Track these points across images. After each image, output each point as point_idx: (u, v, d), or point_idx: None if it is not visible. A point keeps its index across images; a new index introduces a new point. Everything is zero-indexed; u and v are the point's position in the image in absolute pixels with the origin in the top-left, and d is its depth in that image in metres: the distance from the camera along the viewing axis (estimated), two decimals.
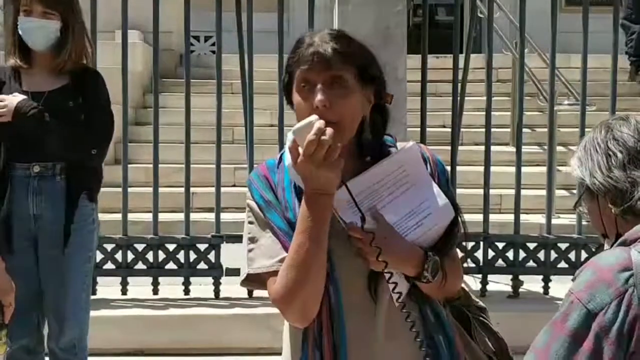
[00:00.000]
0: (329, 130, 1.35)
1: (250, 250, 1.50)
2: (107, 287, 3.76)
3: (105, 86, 2.82)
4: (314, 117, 1.38)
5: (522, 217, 3.86)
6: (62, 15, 2.68)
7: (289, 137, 1.43)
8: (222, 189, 3.88)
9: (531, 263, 3.78)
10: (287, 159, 1.49)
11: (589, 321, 1.22)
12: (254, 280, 1.51)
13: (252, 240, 1.51)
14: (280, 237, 1.47)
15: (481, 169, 3.81)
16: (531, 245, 3.79)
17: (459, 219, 1.53)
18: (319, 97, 1.41)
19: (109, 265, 3.75)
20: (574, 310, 1.24)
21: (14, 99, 2.61)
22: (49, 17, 2.66)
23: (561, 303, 1.28)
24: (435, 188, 1.52)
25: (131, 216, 3.88)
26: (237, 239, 3.82)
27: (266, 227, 1.49)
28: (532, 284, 3.82)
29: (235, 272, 3.75)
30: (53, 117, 2.62)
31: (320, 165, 1.36)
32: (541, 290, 3.77)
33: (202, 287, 3.79)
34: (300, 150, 1.37)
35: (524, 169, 3.88)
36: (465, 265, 3.76)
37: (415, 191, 1.50)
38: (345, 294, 1.46)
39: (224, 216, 3.87)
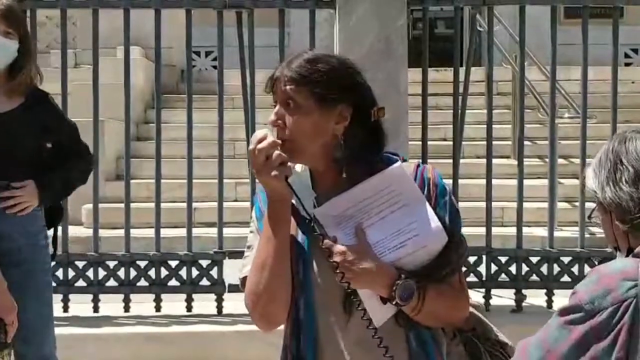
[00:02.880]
0: (266, 141, 1.48)
1: (245, 257, 1.62)
2: (110, 304, 3.74)
3: (59, 111, 2.89)
4: (262, 131, 1.51)
5: (525, 230, 3.85)
6: (20, 35, 2.69)
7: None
8: (224, 204, 3.87)
9: (534, 277, 3.77)
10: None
11: (584, 321, 1.25)
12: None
13: (249, 248, 1.62)
14: None
15: (483, 182, 3.81)
16: (534, 259, 3.78)
17: (454, 244, 1.52)
18: (271, 115, 1.54)
19: (112, 282, 3.74)
20: (573, 309, 1.27)
21: (29, 188, 2.65)
22: (9, 36, 2.66)
23: (568, 299, 1.31)
24: (429, 210, 1.51)
25: (134, 232, 3.87)
26: (240, 254, 3.83)
27: (256, 236, 1.60)
28: (535, 298, 3.81)
29: (237, 288, 3.73)
30: (10, 139, 2.64)
31: (260, 172, 1.48)
32: (544, 304, 3.76)
33: (204, 303, 3.78)
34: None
35: (525, 182, 3.87)
36: (468, 279, 3.75)
37: (406, 211, 1.50)
38: (321, 305, 1.52)
39: (226, 231, 3.87)
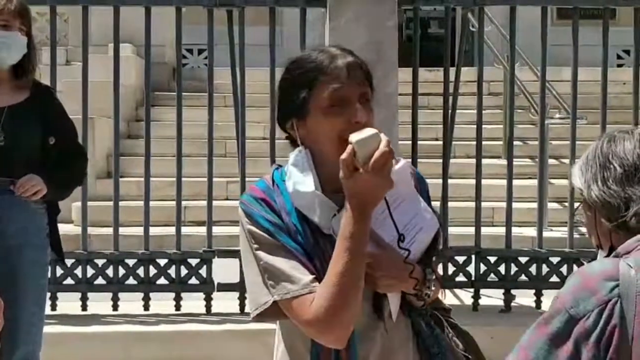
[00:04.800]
0: (386, 140, 1.37)
1: (267, 278, 1.44)
2: (99, 303, 3.73)
3: (62, 106, 2.87)
4: (372, 130, 1.38)
5: (514, 230, 3.86)
6: (28, 31, 2.71)
7: (348, 148, 1.37)
8: (214, 203, 3.86)
9: (523, 277, 3.78)
10: (290, 184, 1.46)
11: (570, 326, 1.23)
12: (270, 310, 1.45)
13: (265, 267, 1.44)
14: (300, 259, 1.43)
15: (473, 181, 3.81)
16: (523, 260, 3.79)
17: (438, 230, 1.55)
18: (360, 113, 1.42)
19: (100, 281, 3.73)
20: (557, 314, 1.25)
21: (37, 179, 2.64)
22: (23, 32, 2.69)
23: (550, 306, 1.29)
24: (422, 202, 1.53)
25: (122, 230, 3.86)
26: (229, 253, 3.85)
27: (278, 251, 1.44)
28: (524, 298, 3.81)
29: (226, 287, 3.74)
30: (17, 131, 2.64)
31: (385, 175, 1.37)
32: (533, 304, 3.76)
33: (193, 302, 3.77)
34: (358, 162, 1.36)
35: (515, 182, 3.88)
36: (457, 279, 3.75)
37: (406, 206, 1.50)
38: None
39: (216, 230, 3.86)
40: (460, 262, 3.75)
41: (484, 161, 3.85)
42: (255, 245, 1.47)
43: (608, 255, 1.34)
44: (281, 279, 1.43)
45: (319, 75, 1.44)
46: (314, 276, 1.42)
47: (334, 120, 1.43)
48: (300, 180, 1.45)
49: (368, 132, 1.38)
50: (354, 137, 1.38)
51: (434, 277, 1.50)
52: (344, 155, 1.38)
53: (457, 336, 1.61)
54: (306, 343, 1.48)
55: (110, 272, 3.72)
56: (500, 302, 3.78)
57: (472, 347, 1.62)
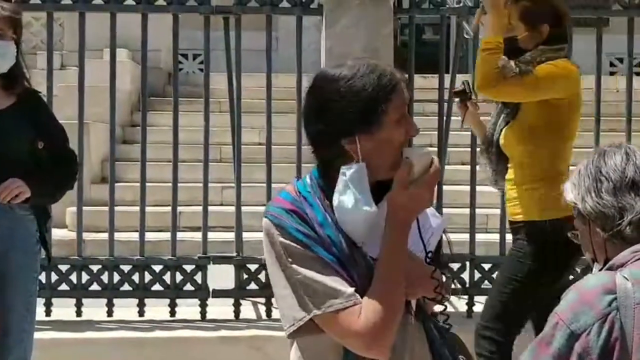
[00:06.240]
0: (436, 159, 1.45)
1: (303, 292, 1.41)
2: (93, 309, 3.72)
3: (50, 110, 2.85)
4: (424, 147, 1.48)
5: (508, 237, 3.86)
6: (17, 38, 2.73)
7: (404, 164, 1.42)
8: (210, 208, 3.87)
9: None
10: (347, 200, 1.43)
11: (572, 342, 1.25)
12: (305, 325, 1.42)
13: (301, 281, 1.41)
14: (338, 270, 1.42)
15: (467, 188, 3.83)
16: None
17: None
18: (414, 125, 1.49)
19: (95, 287, 3.72)
20: (558, 331, 1.26)
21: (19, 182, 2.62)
22: (14, 41, 2.70)
23: (546, 324, 1.29)
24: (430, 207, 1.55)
25: (118, 235, 3.85)
26: (224, 260, 3.85)
27: (315, 264, 1.42)
28: None
29: (221, 293, 3.74)
30: (4, 137, 2.64)
31: (433, 192, 1.44)
32: None
33: (188, 308, 3.76)
34: (412, 177, 1.41)
35: None
36: (452, 286, 3.76)
37: (423, 214, 1.52)
38: None
39: (211, 236, 3.86)
40: (455, 269, 3.76)
41: (479, 168, 3.86)
42: (290, 259, 1.43)
43: (602, 267, 1.36)
44: (322, 293, 1.40)
45: (392, 90, 1.46)
46: (354, 288, 1.42)
47: (401, 132, 1.47)
48: (363, 199, 1.43)
49: (421, 149, 1.46)
50: (410, 153, 1.44)
51: (450, 279, 1.55)
52: (401, 170, 1.42)
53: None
54: (337, 357, 1.46)
55: (105, 278, 3.72)
56: None
57: (464, 351, 1.63)
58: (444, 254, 1.60)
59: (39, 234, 2.75)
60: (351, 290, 1.41)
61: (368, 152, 1.45)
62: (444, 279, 1.52)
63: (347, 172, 1.43)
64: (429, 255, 1.50)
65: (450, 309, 1.60)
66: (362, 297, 1.41)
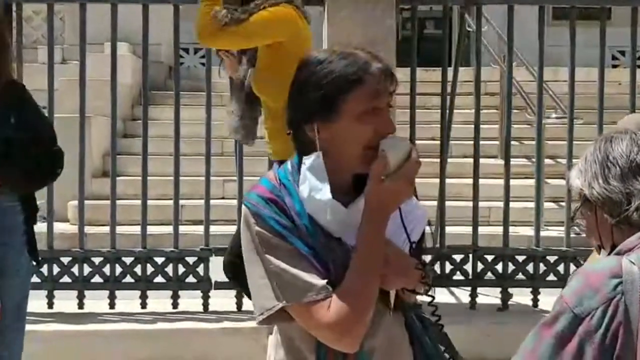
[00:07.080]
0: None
1: (276, 282, 1.40)
2: (95, 301, 3.72)
3: (35, 102, 2.74)
4: (402, 138, 1.43)
5: (511, 229, 3.87)
6: (2, 31, 2.68)
7: (379, 157, 1.39)
8: (211, 202, 3.86)
9: (520, 276, 3.79)
10: (304, 189, 1.42)
11: (575, 325, 1.25)
12: (276, 314, 1.42)
13: (275, 271, 1.40)
14: (312, 262, 1.40)
15: (470, 181, 3.82)
16: (520, 258, 3.80)
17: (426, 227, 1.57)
18: (391, 123, 1.43)
19: (97, 279, 3.73)
20: (562, 314, 1.27)
21: None
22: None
23: (552, 307, 1.30)
24: (414, 198, 1.52)
25: (120, 229, 3.85)
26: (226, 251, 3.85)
27: (290, 255, 1.40)
28: (521, 296, 3.82)
29: (223, 285, 3.74)
30: None
31: (411, 184, 1.41)
32: (530, 303, 3.77)
33: (190, 300, 3.77)
34: (388, 169, 1.39)
35: (512, 182, 3.89)
36: (454, 278, 3.76)
37: (406, 206, 1.50)
38: None
39: (213, 229, 3.86)
40: (458, 261, 3.76)
41: (481, 161, 3.86)
42: (264, 249, 1.42)
43: (609, 254, 1.36)
44: (293, 284, 1.39)
45: (356, 80, 1.41)
46: (326, 280, 1.40)
47: (365, 128, 1.41)
48: (317, 187, 1.41)
49: (398, 140, 1.41)
50: (386, 146, 1.39)
51: (430, 269, 1.54)
52: (377, 164, 1.39)
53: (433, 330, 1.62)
54: (309, 345, 1.46)
55: (107, 270, 3.72)
56: (498, 301, 3.78)
57: (447, 342, 1.62)
58: (426, 246, 1.58)
59: (26, 226, 2.70)
60: (323, 282, 1.39)
61: (327, 141, 1.42)
62: (427, 269, 1.51)
63: (306, 162, 1.42)
64: (413, 245, 1.48)
65: (453, 300, 1.59)
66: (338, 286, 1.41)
